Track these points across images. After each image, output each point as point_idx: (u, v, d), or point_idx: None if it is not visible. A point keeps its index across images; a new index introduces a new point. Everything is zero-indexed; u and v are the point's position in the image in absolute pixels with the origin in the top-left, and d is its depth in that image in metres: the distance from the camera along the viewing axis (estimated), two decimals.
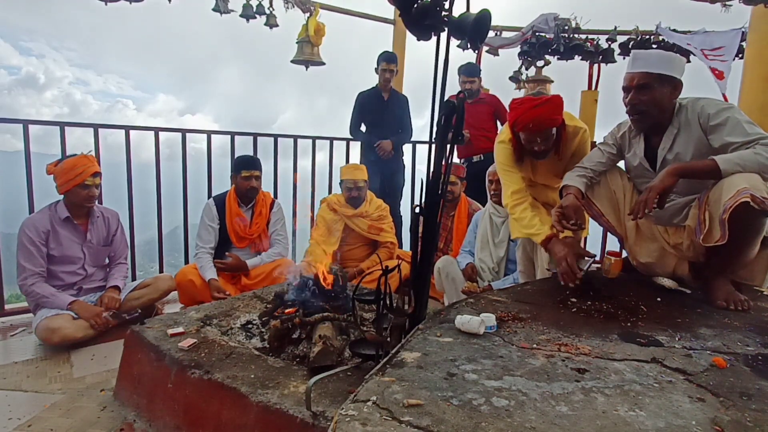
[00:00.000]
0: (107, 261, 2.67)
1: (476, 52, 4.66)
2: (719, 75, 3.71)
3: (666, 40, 4.39)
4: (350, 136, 3.89)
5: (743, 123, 1.63)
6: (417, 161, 4.22)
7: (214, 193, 3.15)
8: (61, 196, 2.48)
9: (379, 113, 3.74)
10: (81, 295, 2.50)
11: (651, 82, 1.72)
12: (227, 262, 2.83)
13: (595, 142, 2.20)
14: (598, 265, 1.99)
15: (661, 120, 1.78)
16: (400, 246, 3.84)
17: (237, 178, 2.91)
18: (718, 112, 1.67)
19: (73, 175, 2.39)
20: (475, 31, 1.41)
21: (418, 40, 1.49)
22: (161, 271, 3.13)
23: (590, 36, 4.61)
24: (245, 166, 2.91)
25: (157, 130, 3.18)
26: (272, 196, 3.21)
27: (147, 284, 2.65)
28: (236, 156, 3.10)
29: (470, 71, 3.85)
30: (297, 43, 4.08)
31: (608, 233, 3.39)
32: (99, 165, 2.56)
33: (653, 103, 1.74)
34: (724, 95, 3.69)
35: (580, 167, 1.99)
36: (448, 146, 1.51)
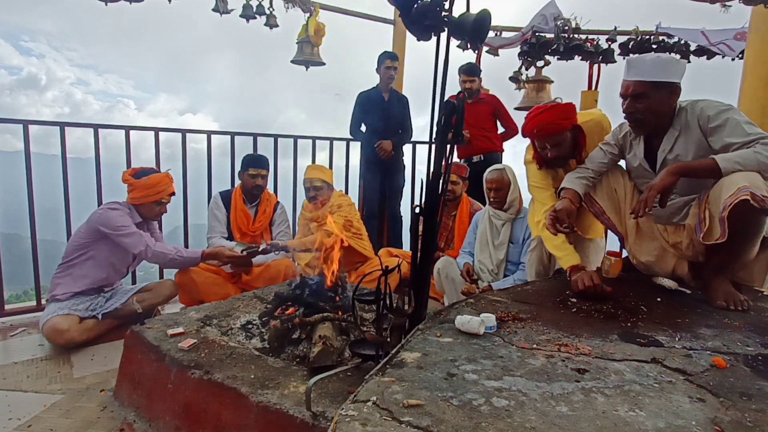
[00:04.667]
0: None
1: (476, 52, 4.65)
2: (730, 46, 3.77)
3: (666, 40, 4.38)
4: (350, 136, 3.89)
5: (742, 123, 1.63)
6: (417, 161, 4.22)
7: (213, 194, 3.17)
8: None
9: (380, 113, 3.73)
10: (97, 295, 2.52)
11: (646, 91, 1.71)
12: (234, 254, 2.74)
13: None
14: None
15: (660, 125, 1.78)
16: (400, 246, 3.83)
17: (244, 175, 3.02)
18: (717, 114, 1.67)
19: (154, 192, 2.52)
20: (475, 31, 1.41)
21: (418, 40, 1.49)
22: (161, 271, 3.12)
23: (590, 36, 4.60)
24: (253, 164, 3.01)
25: (157, 131, 3.18)
26: (276, 197, 3.25)
27: (149, 289, 2.65)
28: (244, 155, 3.14)
29: (470, 71, 3.85)
30: (297, 43, 4.08)
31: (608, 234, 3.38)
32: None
33: (649, 110, 1.73)
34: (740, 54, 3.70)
35: (582, 168, 2.00)
36: (448, 146, 1.51)
